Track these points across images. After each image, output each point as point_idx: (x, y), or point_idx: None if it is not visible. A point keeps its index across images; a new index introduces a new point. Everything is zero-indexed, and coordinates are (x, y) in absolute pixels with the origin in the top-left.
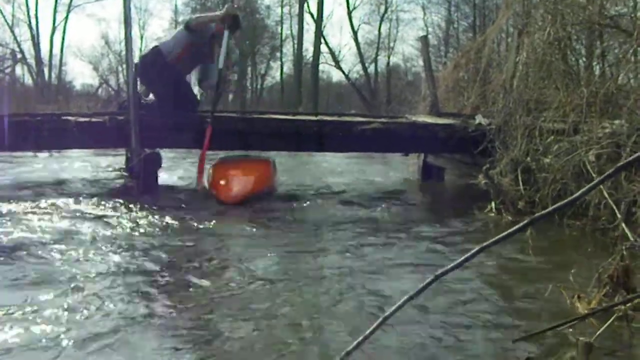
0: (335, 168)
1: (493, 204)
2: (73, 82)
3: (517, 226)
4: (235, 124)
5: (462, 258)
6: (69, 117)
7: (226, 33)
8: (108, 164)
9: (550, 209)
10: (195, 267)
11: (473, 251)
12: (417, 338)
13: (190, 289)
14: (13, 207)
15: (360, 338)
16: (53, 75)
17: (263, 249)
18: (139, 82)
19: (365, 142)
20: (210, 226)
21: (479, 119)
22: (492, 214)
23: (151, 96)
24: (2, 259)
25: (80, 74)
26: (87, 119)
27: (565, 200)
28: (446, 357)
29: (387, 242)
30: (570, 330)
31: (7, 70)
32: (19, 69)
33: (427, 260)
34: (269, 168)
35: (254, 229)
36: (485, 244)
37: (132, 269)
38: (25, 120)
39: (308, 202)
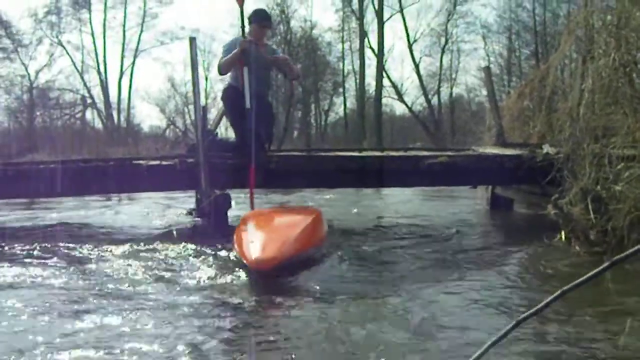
0: (404, 202)
1: (563, 234)
2: (141, 125)
3: (599, 268)
4: (303, 163)
5: (543, 303)
6: (141, 162)
7: (245, 70)
8: (177, 207)
9: (633, 249)
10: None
11: (554, 295)
12: None
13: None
14: (86, 251)
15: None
16: (122, 119)
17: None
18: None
19: (433, 176)
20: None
21: (546, 148)
22: (562, 243)
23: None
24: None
25: (148, 117)
26: (157, 162)
27: None
28: None
29: (461, 278)
30: None
31: (78, 116)
32: (89, 114)
33: (506, 300)
34: (317, 222)
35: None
36: (565, 288)
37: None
38: (99, 166)
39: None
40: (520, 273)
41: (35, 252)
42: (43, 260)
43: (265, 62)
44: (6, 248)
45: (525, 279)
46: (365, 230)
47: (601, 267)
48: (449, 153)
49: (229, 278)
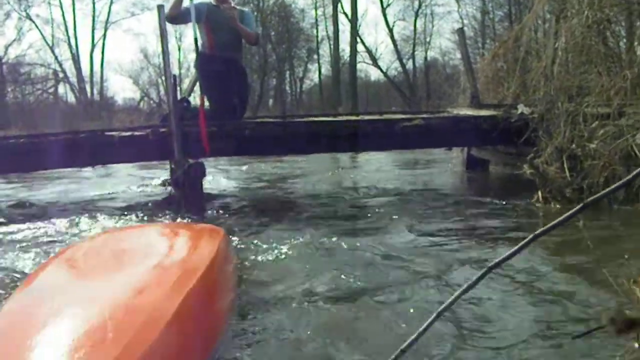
0: (380, 165)
1: (540, 193)
2: (115, 97)
3: (570, 212)
4: (277, 130)
5: (515, 248)
6: (113, 133)
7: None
8: (153, 177)
9: (603, 192)
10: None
11: (526, 240)
12: (469, 334)
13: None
14: (58, 222)
15: (415, 335)
16: (95, 92)
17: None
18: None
19: (408, 139)
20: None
21: (521, 108)
22: (539, 204)
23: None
24: None
25: (122, 89)
26: (130, 134)
27: (619, 183)
28: (502, 357)
29: (436, 233)
30: None
31: (50, 90)
32: (61, 88)
33: (480, 253)
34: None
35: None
36: (538, 231)
37: None
38: (72, 138)
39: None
40: (495, 229)
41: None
42: (13, 236)
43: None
44: None
45: (500, 237)
46: (341, 193)
47: (573, 210)
48: (424, 116)
49: None
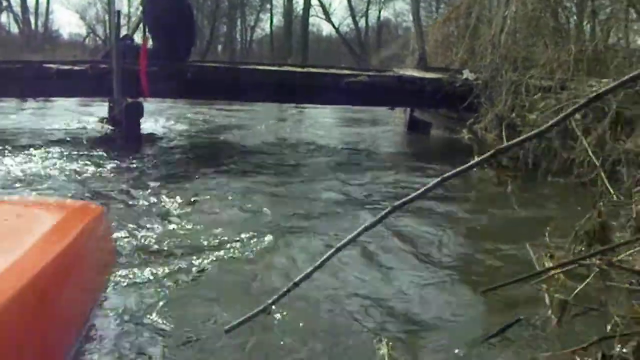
0: (324, 120)
1: (476, 159)
2: (60, 31)
3: (477, 159)
4: (221, 75)
5: (420, 191)
6: (51, 65)
7: None
8: (92, 114)
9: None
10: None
11: (433, 182)
12: (383, 290)
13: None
14: None
15: (311, 268)
16: (39, 24)
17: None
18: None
19: (352, 96)
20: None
21: (466, 74)
22: (475, 169)
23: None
24: None
25: (68, 23)
26: (68, 67)
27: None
28: (413, 310)
29: (362, 189)
30: (545, 287)
31: None
32: (4, 17)
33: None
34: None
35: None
36: (445, 175)
37: None
38: (7, 68)
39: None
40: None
41: None
42: None
43: None
44: None
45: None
46: (280, 146)
47: (478, 159)
48: (370, 73)
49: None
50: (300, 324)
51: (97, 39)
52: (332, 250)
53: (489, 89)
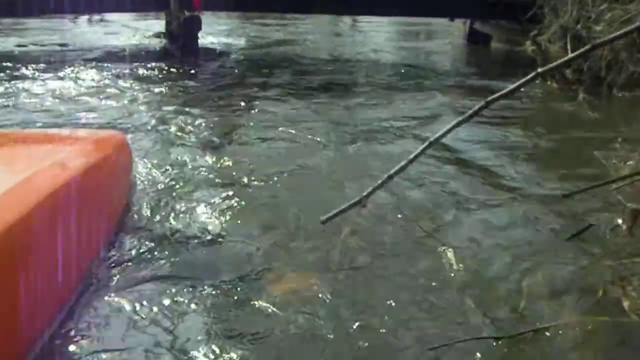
0: (380, 34)
1: (539, 70)
2: None
3: (524, 79)
4: None
5: (513, 86)
6: None
7: None
8: (147, 29)
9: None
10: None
11: (527, 78)
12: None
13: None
14: (53, 68)
15: (404, 162)
16: None
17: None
18: None
19: (410, 6)
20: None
21: None
22: (538, 82)
23: None
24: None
25: None
26: None
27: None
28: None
29: (429, 97)
30: (619, 197)
31: None
32: None
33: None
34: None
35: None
36: (489, 98)
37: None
38: None
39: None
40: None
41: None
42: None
43: None
44: None
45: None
46: (337, 62)
47: (526, 78)
48: None
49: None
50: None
51: None
52: (425, 144)
53: None
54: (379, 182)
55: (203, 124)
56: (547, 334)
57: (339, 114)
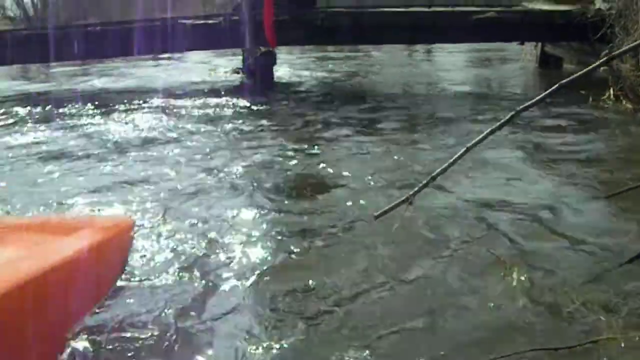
0: (452, 62)
1: (611, 91)
2: None
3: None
4: (350, 19)
5: (539, 97)
6: (186, 21)
7: None
8: (222, 65)
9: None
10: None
11: (551, 89)
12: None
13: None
14: (138, 105)
15: (446, 164)
16: None
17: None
18: None
19: (481, 32)
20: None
21: (598, 3)
22: (610, 101)
23: None
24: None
25: None
26: (203, 21)
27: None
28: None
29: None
30: None
31: None
32: None
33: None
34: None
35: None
36: (563, 81)
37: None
38: (147, 25)
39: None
40: (559, 118)
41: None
42: (104, 112)
43: None
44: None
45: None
46: (413, 90)
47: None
48: (498, 9)
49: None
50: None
51: None
52: (463, 150)
53: (624, 18)
54: (424, 182)
55: (277, 164)
56: (605, 346)
57: (409, 153)
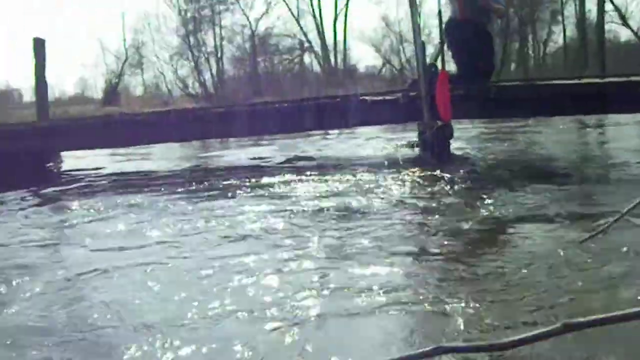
0: (629, 133)
1: None
2: (357, 65)
3: None
4: (522, 92)
5: None
6: (366, 97)
7: None
8: (393, 139)
9: None
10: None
11: None
12: None
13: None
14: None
15: (630, 205)
16: (339, 60)
17: None
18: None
19: None
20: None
21: None
22: None
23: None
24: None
25: (364, 57)
26: (381, 98)
27: None
28: None
29: None
30: None
31: (297, 60)
32: (307, 58)
33: None
34: None
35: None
36: None
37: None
38: (329, 102)
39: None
40: None
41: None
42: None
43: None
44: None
45: None
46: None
47: None
48: None
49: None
50: None
51: (393, 69)
52: (618, 215)
53: None
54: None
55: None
56: None
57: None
